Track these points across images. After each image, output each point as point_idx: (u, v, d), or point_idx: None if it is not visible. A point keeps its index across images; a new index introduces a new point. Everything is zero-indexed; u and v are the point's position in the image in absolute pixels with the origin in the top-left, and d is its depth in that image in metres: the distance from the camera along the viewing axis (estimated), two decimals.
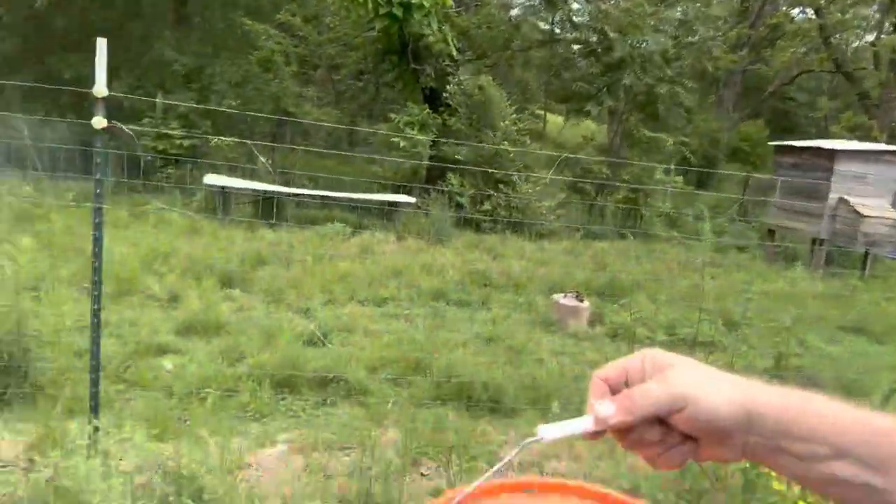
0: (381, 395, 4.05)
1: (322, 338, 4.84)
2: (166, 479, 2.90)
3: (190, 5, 15.12)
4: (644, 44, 13.08)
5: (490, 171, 10.41)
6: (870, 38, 20.29)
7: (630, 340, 4.53)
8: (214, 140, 10.68)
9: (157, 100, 11.11)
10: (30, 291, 4.72)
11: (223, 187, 9.37)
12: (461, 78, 12.26)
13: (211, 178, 9.64)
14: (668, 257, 8.98)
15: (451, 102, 11.80)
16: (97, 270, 3.26)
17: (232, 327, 5.02)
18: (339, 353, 4.47)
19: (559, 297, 6.00)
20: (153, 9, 14.56)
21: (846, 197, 9.67)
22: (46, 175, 9.49)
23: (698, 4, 16.59)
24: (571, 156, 13.83)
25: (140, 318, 4.99)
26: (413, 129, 11.27)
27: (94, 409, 3.31)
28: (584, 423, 0.65)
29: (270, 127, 13.14)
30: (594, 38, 14.37)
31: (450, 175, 10.67)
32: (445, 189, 10.30)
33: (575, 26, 16.13)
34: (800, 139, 12.49)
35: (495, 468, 0.63)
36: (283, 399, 3.95)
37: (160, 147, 10.98)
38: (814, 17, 18.22)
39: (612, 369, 0.67)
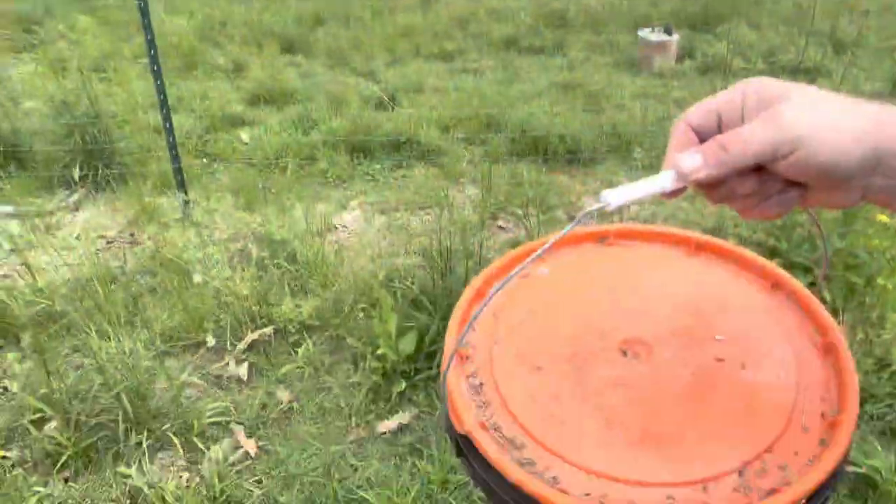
0: (454, 154, 3.98)
1: (390, 101, 4.69)
2: (260, 245, 3.07)
3: None
4: None
5: None
6: None
7: (725, 73, 4.11)
8: None
9: None
10: (96, 73, 4.71)
11: None
12: None
13: None
14: None
15: None
16: (151, 44, 3.13)
17: (300, 94, 4.93)
18: (409, 115, 4.34)
19: (644, 32, 5.44)
20: None
21: None
22: None
23: None
24: None
25: (208, 90, 4.95)
26: None
27: (181, 185, 3.43)
28: (661, 181, 0.52)
29: None
30: None
31: None
32: None
33: None
34: None
35: (558, 235, 0.53)
36: (359, 164, 3.96)
37: None
38: None
39: (701, 111, 0.53)
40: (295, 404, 2.26)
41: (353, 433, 2.14)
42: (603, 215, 0.59)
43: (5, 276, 2.94)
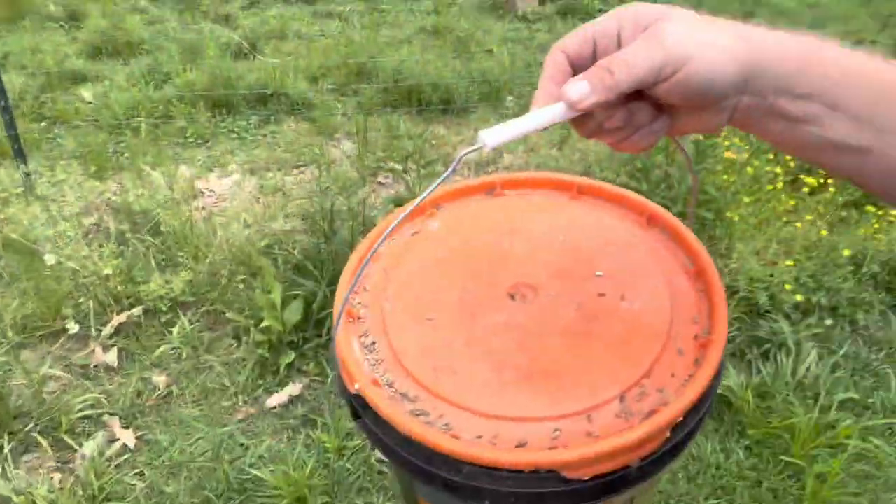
0: (326, 107, 3.82)
1: (251, 48, 4.40)
2: (118, 217, 2.82)
3: None
4: None
5: None
6: None
7: (586, 15, 4.21)
8: None
9: None
10: None
11: None
12: None
13: None
14: None
15: None
16: None
17: (148, 44, 4.51)
18: (274, 65, 4.11)
19: None
20: None
21: None
22: None
23: None
24: None
25: (41, 43, 4.41)
26: None
27: (19, 153, 3.07)
28: (545, 115, 0.50)
29: None
30: None
31: None
32: None
33: None
34: None
35: (435, 184, 0.51)
36: (222, 121, 3.71)
37: None
38: None
39: (577, 38, 0.52)
40: (174, 388, 2.15)
41: (240, 412, 2.07)
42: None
43: None
